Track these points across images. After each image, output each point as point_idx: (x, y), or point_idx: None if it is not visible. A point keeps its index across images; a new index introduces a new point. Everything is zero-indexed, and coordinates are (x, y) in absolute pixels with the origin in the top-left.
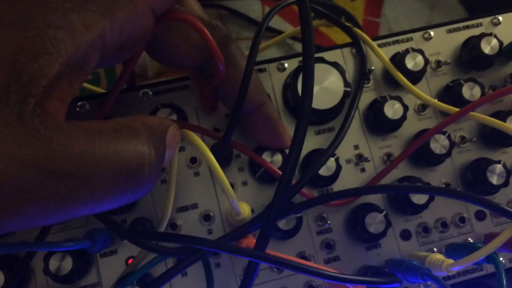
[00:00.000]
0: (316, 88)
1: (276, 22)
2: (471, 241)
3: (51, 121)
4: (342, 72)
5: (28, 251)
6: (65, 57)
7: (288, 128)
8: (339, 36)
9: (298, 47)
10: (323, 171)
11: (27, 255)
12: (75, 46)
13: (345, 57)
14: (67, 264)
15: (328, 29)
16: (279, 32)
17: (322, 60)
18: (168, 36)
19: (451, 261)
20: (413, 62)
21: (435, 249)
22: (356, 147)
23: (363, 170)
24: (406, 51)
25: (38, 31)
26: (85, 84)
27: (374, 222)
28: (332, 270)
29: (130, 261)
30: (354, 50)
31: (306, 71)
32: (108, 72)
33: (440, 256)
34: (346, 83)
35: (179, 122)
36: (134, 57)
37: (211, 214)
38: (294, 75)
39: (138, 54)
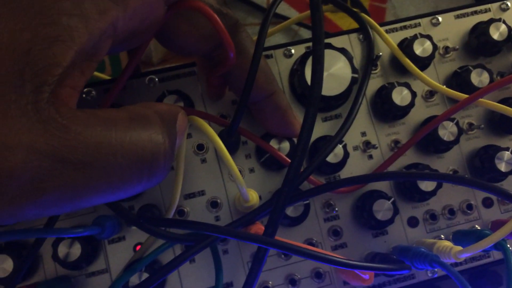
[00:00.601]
0: (323, 75)
1: (282, 8)
2: (478, 228)
3: (66, 110)
4: (349, 58)
5: (37, 238)
6: (79, 45)
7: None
8: (345, 22)
9: (304, 33)
10: (330, 158)
11: (37, 241)
12: (89, 33)
13: (352, 43)
14: (76, 251)
15: (333, 15)
16: (285, 18)
17: (329, 46)
18: (178, 24)
19: (459, 248)
20: (421, 48)
21: (442, 236)
22: (364, 134)
23: (370, 157)
24: (414, 37)
25: (52, 18)
26: None
27: (381, 209)
28: (341, 257)
29: (138, 247)
30: (361, 36)
31: (315, 57)
32: (112, 58)
33: (448, 243)
34: (354, 69)
35: (186, 109)
36: (143, 44)
37: (219, 201)
38: (301, 61)
39: (147, 42)
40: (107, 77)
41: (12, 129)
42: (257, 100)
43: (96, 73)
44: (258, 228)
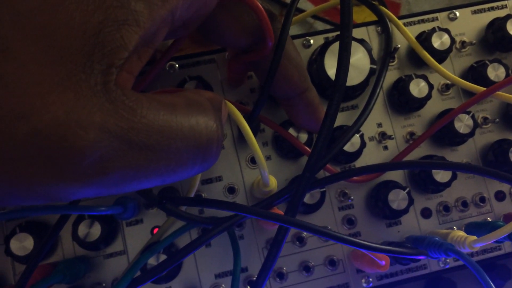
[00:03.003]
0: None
1: None
2: (491, 220)
3: (131, 93)
4: (368, 49)
5: (62, 215)
6: (143, 30)
7: None
8: (359, 16)
9: (319, 25)
10: (347, 147)
11: (61, 218)
12: (152, 19)
13: (370, 35)
14: (96, 231)
15: None
16: (300, 11)
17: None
18: (222, 16)
19: (474, 237)
20: (439, 41)
21: (454, 227)
22: (379, 125)
23: (385, 148)
24: (433, 30)
25: (122, 2)
26: None
27: (397, 199)
28: (361, 240)
29: (155, 230)
30: (379, 28)
31: (343, 44)
32: None
33: (462, 233)
34: (372, 61)
35: None
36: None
37: (236, 187)
38: (320, 51)
39: (190, 32)
40: None
41: (85, 108)
42: (290, 96)
43: None
44: (277, 213)
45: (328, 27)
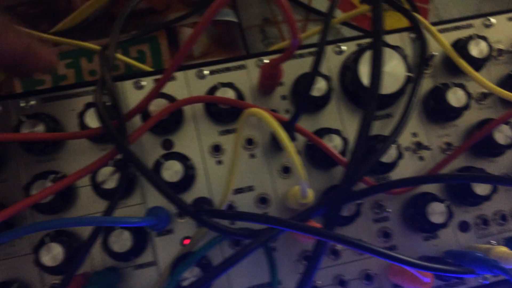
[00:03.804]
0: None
1: (324, 6)
2: None
3: None
4: (404, 56)
5: (96, 228)
6: None
7: (347, 114)
8: (387, 21)
9: (346, 32)
10: (384, 158)
11: (95, 232)
12: None
13: (403, 41)
14: (126, 241)
15: None
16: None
17: (383, 43)
18: None
19: None
20: (477, 49)
21: (493, 242)
22: (414, 134)
23: (420, 158)
24: (469, 38)
25: None
26: (133, 61)
27: (435, 212)
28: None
29: (185, 241)
30: (413, 35)
31: (376, 51)
32: (154, 51)
33: (505, 249)
34: (409, 68)
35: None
36: (192, 40)
37: (267, 197)
38: (355, 58)
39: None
40: (149, 68)
41: None
42: None
43: (138, 64)
44: (314, 225)
45: (355, 33)
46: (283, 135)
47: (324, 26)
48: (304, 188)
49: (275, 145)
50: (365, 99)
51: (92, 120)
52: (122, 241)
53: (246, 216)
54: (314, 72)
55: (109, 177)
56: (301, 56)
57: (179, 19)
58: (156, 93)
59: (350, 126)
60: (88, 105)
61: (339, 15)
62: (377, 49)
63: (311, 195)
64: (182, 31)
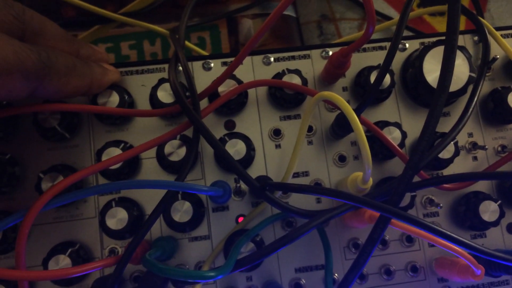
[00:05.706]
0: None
1: (381, 6)
2: None
3: None
4: (468, 57)
5: (169, 190)
6: None
7: (404, 109)
8: (442, 26)
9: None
10: (442, 154)
11: (165, 197)
12: None
13: (466, 43)
14: (187, 213)
15: (431, 18)
16: (382, 16)
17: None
18: None
19: None
20: None
21: None
22: (470, 134)
23: (474, 158)
24: None
25: None
26: (194, 47)
27: (488, 210)
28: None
29: (240, 219)
30: (476, 37)
31: (449, 46)
32: (213, 37)
33: None
34: (472, 69)
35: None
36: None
37: (322, 183)
38: (420, 54)
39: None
40: (205, 53)
41: None
42: None
43: (198, 49)
44: (372, 212)
45: (408, 33)
46: (356, 119)
47: (399, 23)
48: (368, 173)
49: (333, 134)
50: (425, 95)
51: (164, 95)
52: (183, 211)
53: (316, 189)
54: (387, 66)
55: (175, 150)
56: (364, 50)
57: (240, 10)
58: (228, 75)
59: (406, 121)
60: (161, 81)
61: (395, 16)
62: (452, 45)
63: (371, 181)
64: (242, 21)
